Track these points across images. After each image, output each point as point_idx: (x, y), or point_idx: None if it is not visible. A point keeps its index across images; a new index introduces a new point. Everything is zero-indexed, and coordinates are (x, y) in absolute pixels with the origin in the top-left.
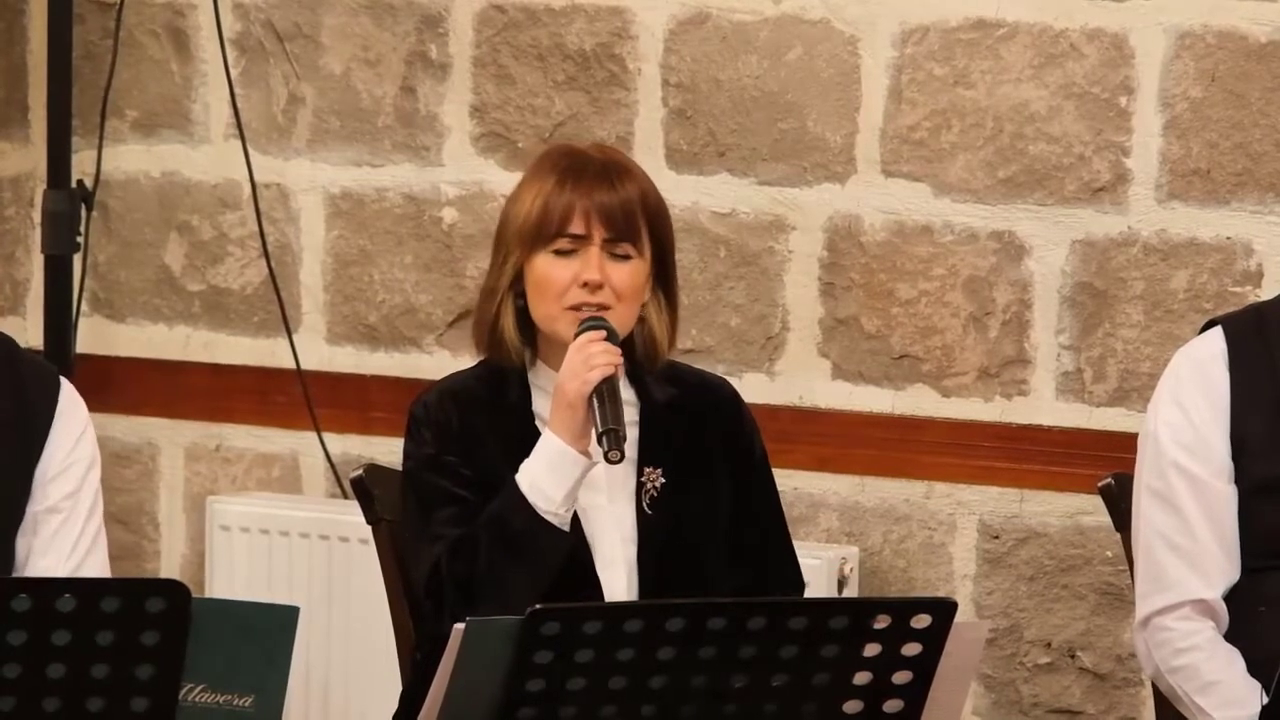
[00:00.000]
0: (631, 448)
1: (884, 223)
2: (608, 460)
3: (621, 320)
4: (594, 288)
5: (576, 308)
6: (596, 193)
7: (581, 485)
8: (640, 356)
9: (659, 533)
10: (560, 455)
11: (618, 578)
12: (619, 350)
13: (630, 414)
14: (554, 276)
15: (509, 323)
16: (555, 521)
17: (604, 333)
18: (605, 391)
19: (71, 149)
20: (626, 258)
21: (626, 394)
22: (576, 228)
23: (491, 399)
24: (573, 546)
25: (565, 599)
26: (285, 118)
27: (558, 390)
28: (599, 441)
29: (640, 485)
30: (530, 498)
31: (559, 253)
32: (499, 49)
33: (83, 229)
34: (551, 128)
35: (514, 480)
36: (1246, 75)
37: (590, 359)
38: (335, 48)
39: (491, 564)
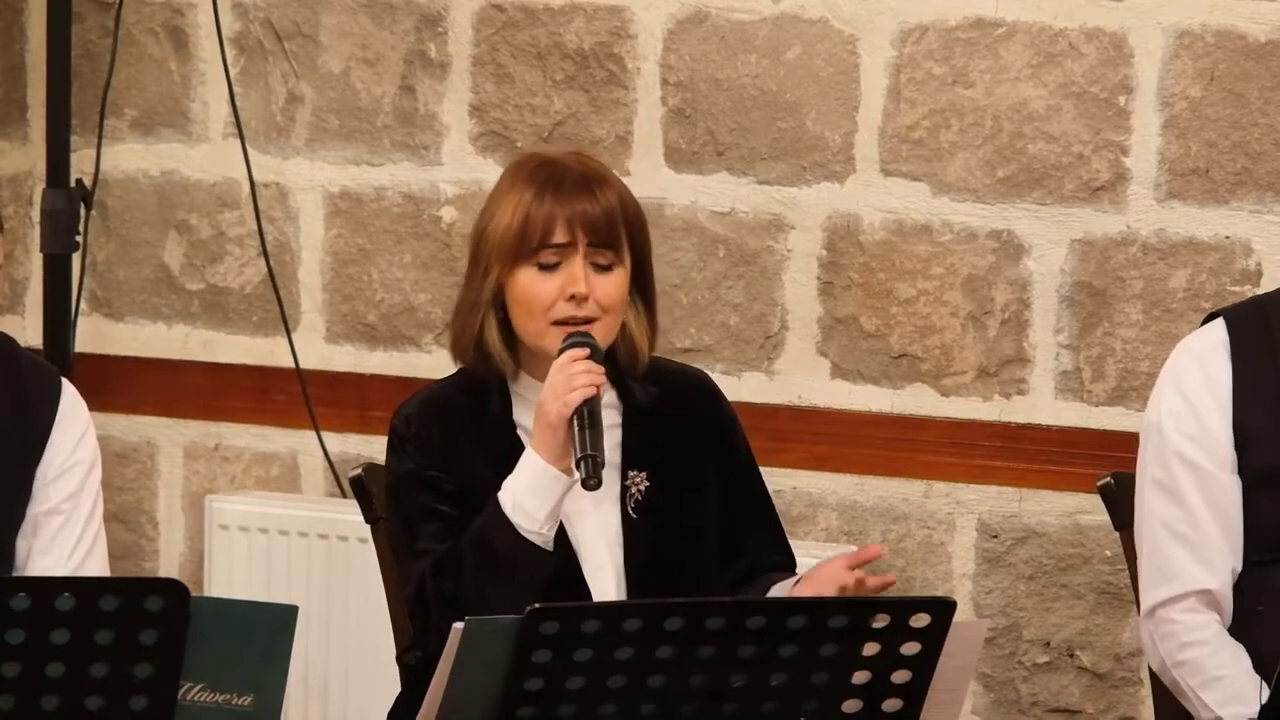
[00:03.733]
0: (615, 452)
1: (883, 222)
2: (585, 486)
3: (606, 332)
4: (580, 300)
5: (563, 322)
6: (577, 201)
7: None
8: (622, 363)
9: (644, 536)
10: (542, 474)
11: (606, 582)
12: (601, 369)
13: (613, 417)
14: (538, 292)
15: (494, 336)
16: (538, 541)
17: (587, 350)
18: (586, 414)
19: (70, 148)
20: (609, 268)
21: (608, 397)
22: (560, 237)
23: (473, 408)
24: (559, 553)
25: None
26: (284, 117)
27: (539, 410)
28: (577, 467)
29: (625, 489)
30: (513, 518)
31: (542, 267)
32: (498, 48)
33: (82, 228)
34: (550, 127)
35: (496, 499)
36: (1245, 74)
37: (572, 380)
38: (334, 47)
39: (476, 584)
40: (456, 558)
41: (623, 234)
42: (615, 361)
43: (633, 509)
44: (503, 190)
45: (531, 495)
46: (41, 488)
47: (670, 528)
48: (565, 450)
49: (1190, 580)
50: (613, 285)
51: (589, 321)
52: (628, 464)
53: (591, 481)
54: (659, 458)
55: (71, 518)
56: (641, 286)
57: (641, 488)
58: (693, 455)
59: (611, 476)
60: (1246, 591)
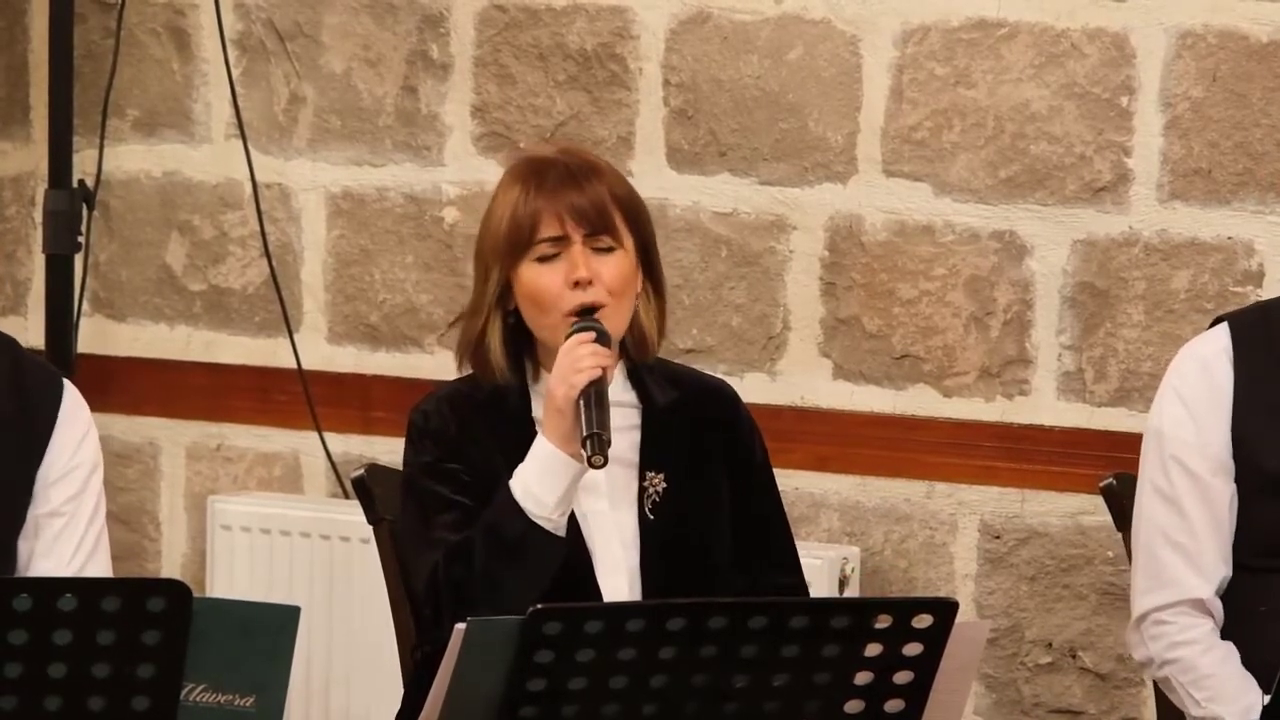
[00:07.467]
0: (633, 452)
1: (885, 222)
2: (591, 465)
3: (616, 318)
4: (585, 285)
5: (575, 313)
6: (564, 194)
7: (583, 491)
8: (632, 351)
9: (662, 538)
10: (551, 459)
11: (618, 585)
12: (609, 352)
13: (632, 417)
14: (543, 285)
15: (495, 341)
16: (549, 527)
17: (593, 334)
18: (593, 395)
19: (73, 148)
20: (610, 250)
21: (627, 395)
22: (550, 230)
23: (491, 404)
24: (572, 554)
25: None
26: (286, 117)
27: (548, 395)
28: (583, 446)
29: (642, 490)
30: (524, 504)
31: (541, 259)
32: (500, 49)
33: (84, 228)
34: (553, 127)
35: (508, 486)
36: (1247, 75)
37: (577, 362)
38: (336, 47)
39: (487, 570)
40: (469, 545)
41: (617, 219)
42: (629, 354)
43: (650, 510)
44: (496, 193)
45: (541, 481)
46: (43, 490)
47: (687, 530)
48: (574, 434)
49: (1184, 589)
50: (616, 266)
51: (598, 308)
52: (645, 465)
53: (597, 460)
54: (677, 460)
55: (73, 520)
56: (651, 274)
57: (659, 489)
58: (709, 459)
59: (629, 477)
60: (1245, 597)
